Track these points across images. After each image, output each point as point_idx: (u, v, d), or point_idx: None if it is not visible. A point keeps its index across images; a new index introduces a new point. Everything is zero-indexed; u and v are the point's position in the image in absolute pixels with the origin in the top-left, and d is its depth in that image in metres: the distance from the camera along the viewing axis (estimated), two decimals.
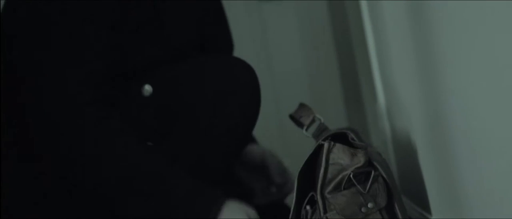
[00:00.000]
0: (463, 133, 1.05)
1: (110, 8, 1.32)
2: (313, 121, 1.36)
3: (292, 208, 1.22)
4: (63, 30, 1.30)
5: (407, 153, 1.50)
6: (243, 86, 1.34)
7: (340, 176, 1.20)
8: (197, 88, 1.33)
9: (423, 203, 1.39)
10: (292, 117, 1.39)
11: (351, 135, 1.23)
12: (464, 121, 1.03)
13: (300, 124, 1.37)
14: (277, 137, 2.36)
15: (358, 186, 1.20)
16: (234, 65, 1.36)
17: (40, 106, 1.28)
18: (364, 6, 1.81)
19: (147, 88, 1.33)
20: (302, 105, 1.39)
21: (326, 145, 1.21)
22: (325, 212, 1.19)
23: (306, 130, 1.36)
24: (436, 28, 1.08)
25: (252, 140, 1.67)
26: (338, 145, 1.21)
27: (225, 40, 1.61)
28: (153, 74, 1.35)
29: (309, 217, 1.21)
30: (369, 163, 1.22)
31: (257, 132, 1.56)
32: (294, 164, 1.47)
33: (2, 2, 1.39)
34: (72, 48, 1.29)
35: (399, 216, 1.21)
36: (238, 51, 1.67)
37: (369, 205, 1.19)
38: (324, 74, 2.45)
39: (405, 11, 1.27)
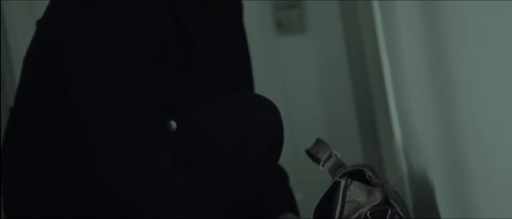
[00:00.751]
0: (481, 171, 1.04)
1: (155, 46, 1.32)
2: (329, 157, 1.36)
3: None
4: (116, 67, 1.29)
5: (423, 190, 1.48)
6: (266, 125, 1.35)
7: (356, 214, 1.19)
8: (220, 126, 1.34)
9: None
10: (308, 152, 1.39)
11: (368, 172, 1.22)
12: (482, 158, 1.02)
13: (316, 160, 1.37)
14: (293, 173, 2.35)
15: None
16: (257, 104, 1.37)
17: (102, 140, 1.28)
18: (381, 41, 1.81)
19: (172, 124, 1.33)
20: (318, 141, 1.39)
21: (343, 182, 1.21)
22: None
23: (323, 165, 1.35)
24: (455, 62, 1.07)
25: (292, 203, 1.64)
26: (355, 183, 1.20)
27: (248, 77, 1.61)
28: (177, 111, 1.35)
29: None
30: (386, 201, 1.21)
31: None
32: (309, 200, 1.46)
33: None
34: (130, 86, 1.29)
35: None
36: (255, 84, 1.67)
37: None
38: (341, 110, 2.45)
39: (423, 44, 1.27)
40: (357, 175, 1.23)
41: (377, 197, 1.19)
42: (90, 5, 1.30)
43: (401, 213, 1.20)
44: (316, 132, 2.40)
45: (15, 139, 1.41)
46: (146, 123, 1.29)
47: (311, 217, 1.23)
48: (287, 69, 2.49)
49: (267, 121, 1.35)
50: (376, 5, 1.79)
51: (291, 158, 2.36)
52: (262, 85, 1.71)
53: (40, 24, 1.40)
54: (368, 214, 1.19)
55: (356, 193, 1.20)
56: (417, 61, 1.34)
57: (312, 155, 1.38)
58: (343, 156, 1.37)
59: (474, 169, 1.07)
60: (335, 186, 1.22)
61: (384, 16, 1.73)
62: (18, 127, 1.41)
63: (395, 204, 1.21)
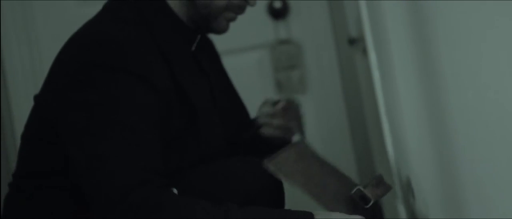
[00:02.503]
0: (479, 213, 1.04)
1: (156, 111, 1.32)
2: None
3: None
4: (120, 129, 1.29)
5: None
6: (267, 188, 1.35)
7: None
8: (222, 192, 1.34)
9: None
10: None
11: None
12: (481, 208, 1.03)
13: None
14: None
15: None
16: (257, 167, 1.37)
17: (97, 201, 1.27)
18: (380, 100, 1.83)
19: (173, 192, 1.33)
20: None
21: None
22: None
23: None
24: (454, 121, 1.09)
25: None
26: None
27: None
28: (178, 178, 1.35)
29: None
30: None
31: None
32: None
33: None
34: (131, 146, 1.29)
35: None
36: None
37: None
38: (342, 169, 2.45)
39: (422, 101, 1.28)
40: None
41: None
42: (87, 75, 1.30)
43: None
44: None
45: (12, 214, 1.41)
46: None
47: None
48: None
49: (267, 184, 1.36)
50: (375, 66, 1.81)
51: None
52: None
53: (37, 99, 1.40)
54: None
55: None
56: (416, 119, 1.35)
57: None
58: None
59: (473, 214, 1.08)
60: None
61: (383, 76, 1.75)
62: (15, 203, 1.41)
63: None
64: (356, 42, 2.22)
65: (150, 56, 1.32)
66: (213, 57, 1.60)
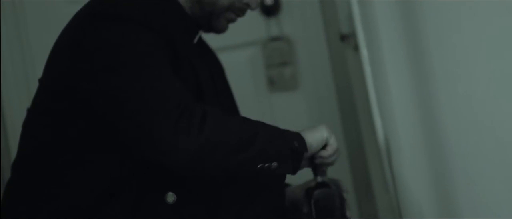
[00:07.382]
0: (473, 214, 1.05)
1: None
2: None
3: None
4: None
5: None
6: (268, 188, 1.36)
7: None
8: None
9: None
10: None
11: None
12: (473, 206, 1.04)
13: None
14: None
15: None
16: None
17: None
18: (372, 96, 1.83)
19: (171, 195, 1.31)
20: None
21: None
22: None
23: None
24: (444, 113, 1.09)
25: None
26: None
27: None
28: (176, 181, 1.32)
29: None
30: None
31: None
32: None
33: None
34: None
35: None
36: None
37: None
38: (334, 166, 2.45)
39: (414, 96, 1.29)
40: None
41: None
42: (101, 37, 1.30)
43: None
44: None
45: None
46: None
47: None
48: (279, 125, 2.51)
49: (269, 184, 1.36)
50: (366, 62, 1.82)
51: None
52: None
53: (42, 81, 1.39)
54: None
55: None
56: (408, 114, 1.36)
57: None
58: None
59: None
60: None
61: (375, 72, 1.76)
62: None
63: None
64: (347, 38, 2.23)
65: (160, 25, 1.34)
66: (212, 57, 1.63)
